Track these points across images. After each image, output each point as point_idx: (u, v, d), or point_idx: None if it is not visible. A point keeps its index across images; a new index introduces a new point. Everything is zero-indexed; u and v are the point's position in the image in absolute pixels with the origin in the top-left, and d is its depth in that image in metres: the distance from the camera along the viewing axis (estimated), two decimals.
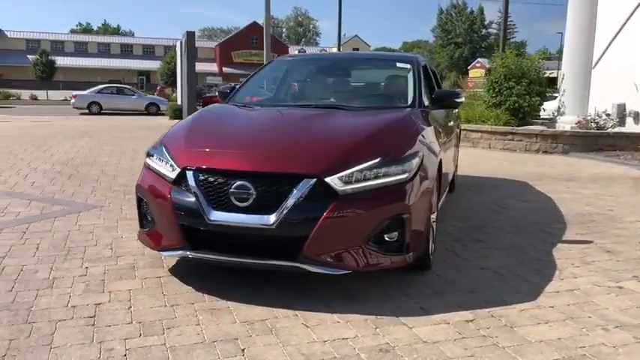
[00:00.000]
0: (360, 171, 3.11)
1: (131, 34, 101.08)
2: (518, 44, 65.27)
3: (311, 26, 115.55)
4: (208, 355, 2.57)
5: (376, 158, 3.18)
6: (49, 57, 47.67)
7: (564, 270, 3.80)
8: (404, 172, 3.21)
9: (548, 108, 15.96)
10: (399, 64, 4.72)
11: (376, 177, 3.14)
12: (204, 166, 3.20)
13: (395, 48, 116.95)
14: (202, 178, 3.18)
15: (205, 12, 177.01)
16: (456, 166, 6.49)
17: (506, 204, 5.79)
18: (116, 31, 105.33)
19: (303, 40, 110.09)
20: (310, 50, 76.12)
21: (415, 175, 3.27)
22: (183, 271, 3.61)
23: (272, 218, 3.01)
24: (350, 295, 3.27)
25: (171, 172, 3.31)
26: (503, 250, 4.21)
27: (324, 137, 3.43)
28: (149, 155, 3.57)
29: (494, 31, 74.51)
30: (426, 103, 4.30)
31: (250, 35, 70.45)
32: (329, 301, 3.19)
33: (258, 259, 3.08)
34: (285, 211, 3.00)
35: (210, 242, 3.18)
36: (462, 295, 3.32)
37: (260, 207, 3.05)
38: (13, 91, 42.15)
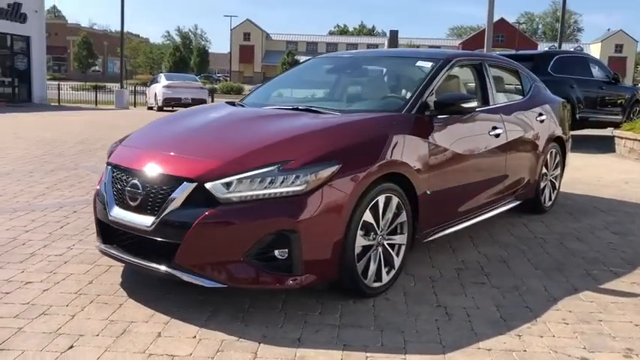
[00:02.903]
0: (250, 178, 2.87)
1: (383, 35, 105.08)
2: None
3: (572, 21, 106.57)
4: (36, 346, 2.65)
5: (271, 166, 2.90)
6: (294, 57, 52.18)
7: (538, 325, 2.99)
8: (301, 184, 2.87)
9: None
10: (419, 63, 4.16)
11: (267, 186, 2.86)
12: (114, 162, 3.29)
13: None
14: (114, 174, 3.26)
15: (463, 10, 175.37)
16: (553, 184, 5.48)
17: (589, 235, 4.71)
18: (370, 32, 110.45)
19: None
20: (565, 47, 70.25)
21: (317, 188, 2.89)
22: None
23: (150, 220, 2.96)
24: (244, 312, 3.05)
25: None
26: (497, 290, 3.47)
27: (230, 141, 3.22)
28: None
29: None
30: (431, 108, 3.73)
31: (496, 33, 67.82)
32: (216, 314, 3.02)
33: (139, 260, 3.05)
34: (162, 215, 2.92)
35: (113, 238, 3.25)
36: (365, 333, 2.85)
37: (145, 208, 3.02)
38: None
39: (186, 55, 72.57)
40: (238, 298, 3.20)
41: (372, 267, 3.22)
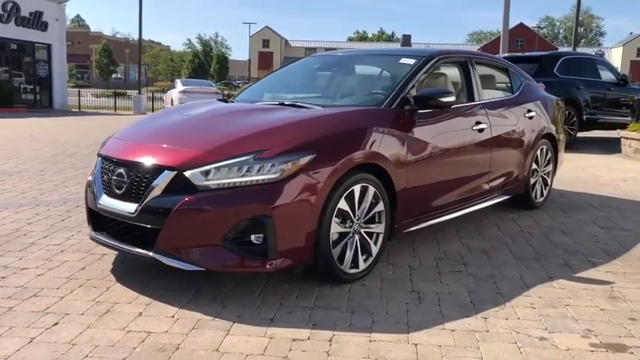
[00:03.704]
0: (227, 167, 3.03)
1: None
2: None
3: (594, 25, 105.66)
4: (23, 323, 2.81)
5: (248, 155, 3.06)
6: None
7: (506, 309, 3.09)
8: (276, 172, 3.02)
9: None
10: (402, 60, 4.29)
11: (244, 174, 3.02)
12: (103, 154, 3.47)
13: None
14: (103, 164, 3.45)
15: (484, 15, 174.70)
16: (544, 180, 5.54)
17: (576, 229, 4.77)
18: (389, 38, 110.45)
19: (583, 40, 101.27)
20: (586, 51, 69.88)
21: (292, 176, 3.04)
22: None
23: (134, 207, 3.12)
24: (224, 296, 3.20)
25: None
26: (473, 277, 3.57)
27: (210, 132, 3.39)
28: None
29: None
30: (412, 103, 3.85)
31: (515, 37, 67.35)
32: (197, 297, 3.18)
33: (125, 245, 3.22)
34: (144, 202, 3.09)
35: (102, 225, 3.43)
36: (336, 314, 2.98)
37: (130, 195, 3.19)
38: None
39: (205, 62, 73.41)
40: (220, 283, 3.35)
41: (349, 254, 3.35)
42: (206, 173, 3.02)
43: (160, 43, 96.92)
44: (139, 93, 25.64)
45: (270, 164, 3.03)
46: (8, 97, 21.39)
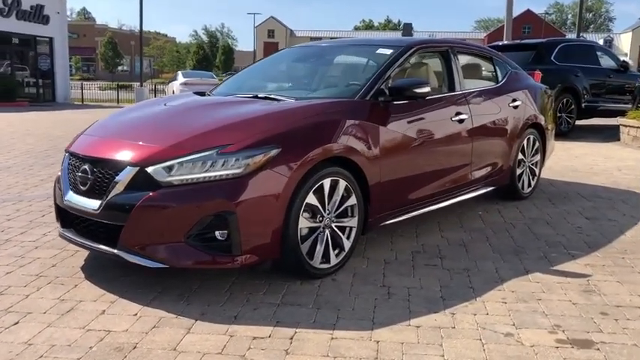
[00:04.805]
0: (191, 162, 2.98)
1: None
2: None
3: (602, 10, 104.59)
4: None
5: (211, 150, 3.00)
6: None
7: (476, 304, 3.03)
8: (240, 167, 2.97)
9: None
10: (379, 51, 4.21)
11: (207, 169, 2.97)
12: (70, 150, 3.44)
13: None
14: (69, 160, 3.41)
15: (491, 3, 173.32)
16: (532, 171, 5.45)
17: (561, 220, 4.69)
18: (396, 27, 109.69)
19: (592, 25, 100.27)
20: (594, 37, 69.31)
21: (257, 171, 2.98)
22: None
23: (97, 204, 3.09)
24: (190, 293, 3.16)
25: None
26: (447, 271, 3.51)
27: (176, 127, 3.33)
28: None
29: None
30: (387, 94, 3.77)
31: (522, 24, 66.84)
32: (163, 295, 3.14)
33: (90, 242, 3.19)
34: (107, 198, 3.05)
35: (69, 221, 3.39)
36: (302, 311, 2.94)
37: (94, 192, 3.15)
38: None
39: (210, 54, 73.34)
40: (189, 279, 3.31)
41: (319, 248, 3.29)
42: (169, 169, 2.98)
43: (165, 35, 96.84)
44: (141, 85, 25.64)
45: (234, 159, 2.98)
46: (11, 91, 21.42)
